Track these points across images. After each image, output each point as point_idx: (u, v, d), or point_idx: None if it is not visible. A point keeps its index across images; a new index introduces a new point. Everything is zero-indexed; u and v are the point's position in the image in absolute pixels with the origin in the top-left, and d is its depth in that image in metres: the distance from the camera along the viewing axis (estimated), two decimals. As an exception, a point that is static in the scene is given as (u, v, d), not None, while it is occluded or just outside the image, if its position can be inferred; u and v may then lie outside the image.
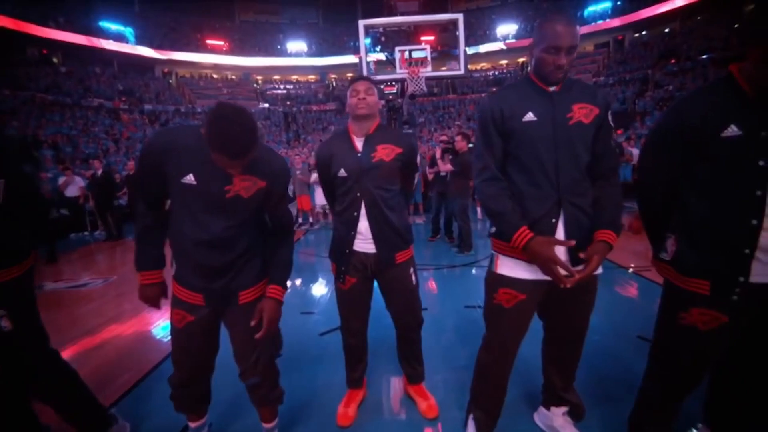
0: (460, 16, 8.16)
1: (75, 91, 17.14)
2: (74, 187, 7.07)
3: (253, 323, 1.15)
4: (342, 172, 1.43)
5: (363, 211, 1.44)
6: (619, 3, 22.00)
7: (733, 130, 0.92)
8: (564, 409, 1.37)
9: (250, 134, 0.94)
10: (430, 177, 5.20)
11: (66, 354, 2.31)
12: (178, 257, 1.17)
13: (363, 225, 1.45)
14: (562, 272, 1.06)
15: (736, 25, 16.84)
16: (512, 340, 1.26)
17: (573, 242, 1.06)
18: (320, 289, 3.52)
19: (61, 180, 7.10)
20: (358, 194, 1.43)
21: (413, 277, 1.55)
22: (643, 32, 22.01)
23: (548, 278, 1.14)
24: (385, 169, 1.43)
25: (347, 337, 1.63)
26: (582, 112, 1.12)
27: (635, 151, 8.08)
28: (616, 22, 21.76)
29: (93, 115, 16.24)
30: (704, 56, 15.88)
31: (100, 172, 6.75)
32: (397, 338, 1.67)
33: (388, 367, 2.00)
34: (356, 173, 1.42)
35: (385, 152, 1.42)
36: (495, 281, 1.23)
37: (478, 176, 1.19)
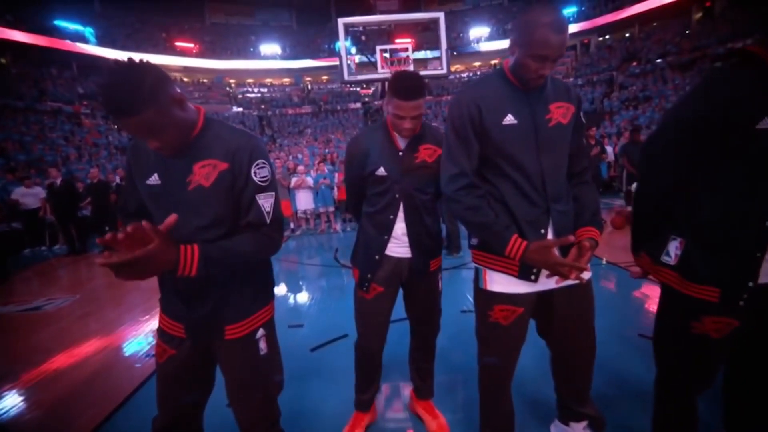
0: (441, 15, 8.18)
1: (28, 94, 15.92)
2: (33, 198, 6.50)
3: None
4: (381, 171, 1.30)
5: (401, 214, 1.33)
6: (583, 9, 23.03)
7: (767, 122, 0.83)
8: (584, 423, 1.29)
9: (129, 86, 0.76)
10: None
11: (14, 389, 2.03)
12: (161, 282, 1.01)
13: (399, 229, 1.34)
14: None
15: (687, 31, 18.06)
16: (513, 354, 1.19)
17: (571, 238, 0.99)
18: (307, 299, 3.33)
19: (19, 191, 6.51)
20: (397, 196, 1.32)
21: (439, 284, 1.48)
22: (607, 36, 23.14)
23: (542, 288, 1.09)
24: (427, 171, 1.32)
25: (362, 357, 1.49)
26: (560, 112, 1.05)
27: (609, 149, 8.40)
28: (581, 27, 22.74)
29: (50, 119, 15.15)
30: (660, 60, 16.92)
31: (59, 181, 6.23)
32: (412, 347, 1.58)
33: (393, 383, 1.87)
34: (397, 173, 1.30)
35: (428, 153, 1.32)
36: (488, 299, 1.14)
37: (452, 183, 1.06)
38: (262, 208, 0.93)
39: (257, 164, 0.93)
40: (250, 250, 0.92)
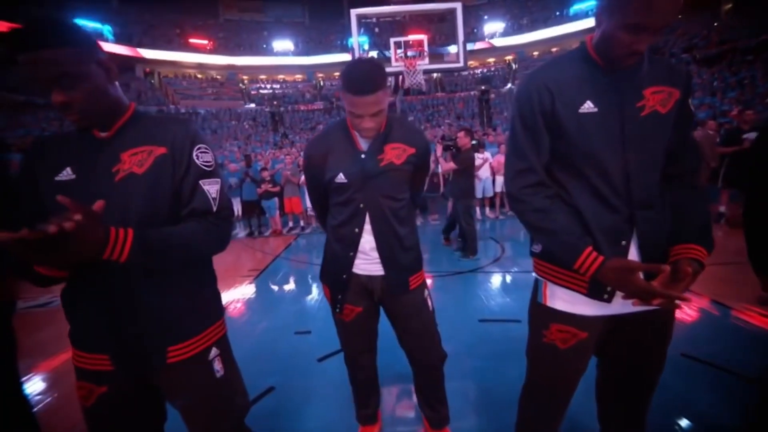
0: (458, 5, 7.85)
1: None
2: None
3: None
4: (341, 178, 1.13)
5: (367, 226, 1.16)
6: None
7: None
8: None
9: (54, 18, 0.75)
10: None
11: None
12: (71, 306, 0.84)
13: (367, 243, 1.18)
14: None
15: (715, 23, 17.23)
16: (567, 386, 1.00)
17: (666, 268, 0.76)
18: (316, 302, 3.20)
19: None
20: (362, 206, 1.15)
21: (429, 302, 1.28)
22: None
23: (616, 311, 0.90)
24: (396, 175, 1.15)
25: (354, 371, 1.39)
26: (657, 98, 0.84)
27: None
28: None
29: (68, 116, 15.51)
30: (685, 53, 16.22)
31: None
32: (416, 379, 1.39)
33: (403, 401, 1.72)
34: (359, 180, 1.13)
35: (395, 153, 1.14)
36: (545, 316, 0.97)
37: (517, 180, 0.91)
38: (208, 194, 0.85)
39: (199, 148, 0.86)
40: (194, 239, 0.81)
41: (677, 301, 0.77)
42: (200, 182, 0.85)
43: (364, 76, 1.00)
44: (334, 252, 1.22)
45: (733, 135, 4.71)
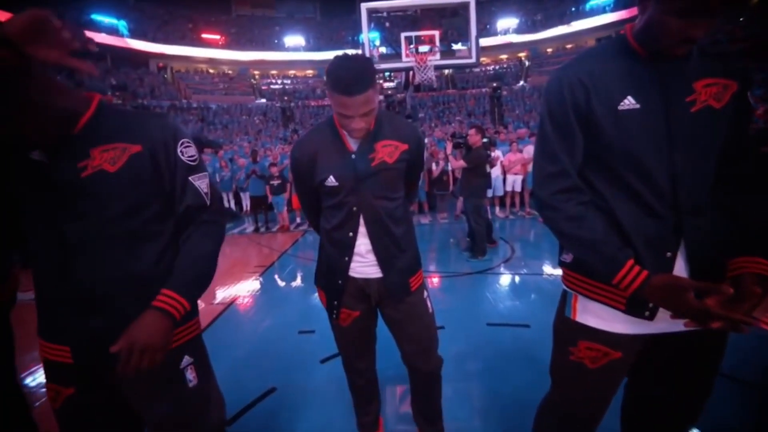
0: (471, -1, 7.68)
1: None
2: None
3: (114, 347, 0.68)
4: (331, 180, 1.08)
5: (362, 228, 1.11)
6: (621, -4, 21.65)
7: None
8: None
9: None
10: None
11: (30, 376, 1.97)
12: (41, 295, 0.81)
13: (363, 246, 1.13)
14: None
15: (740, 18, 16.56)
16: (595, 410, 0.91)
17: (728, 289, 0.66)
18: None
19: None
20: (355, 208, 1.09)
21: (429, 304, 1.23)
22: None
23: (658, 330, 0.80)
24: (389, 174, 1.09)
25: (353, 377, 1.34)
26: (711, 92, 0.75)
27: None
28: (620, 15, 21.42)
29: (84, 110, 15.81)
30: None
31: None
32: (414, 389, 1.33)
33: (404, 405, 1.67)
34: (351, 181, 1.08)
35: (387, 151, 1.08)
36: (573, 331, 0.88)
37: (548, 185, 0.82)
38: (199, 189, 0.85)
39: (182, 143, 0.83)
40: (210, 249, 0.84)
41: (743, 326, 0.66)
42: (189, 178, 0.83)
43: (353, 75, 0.93)
44: (329, 256, 1.17)
45: (759, 135, 4.51)
